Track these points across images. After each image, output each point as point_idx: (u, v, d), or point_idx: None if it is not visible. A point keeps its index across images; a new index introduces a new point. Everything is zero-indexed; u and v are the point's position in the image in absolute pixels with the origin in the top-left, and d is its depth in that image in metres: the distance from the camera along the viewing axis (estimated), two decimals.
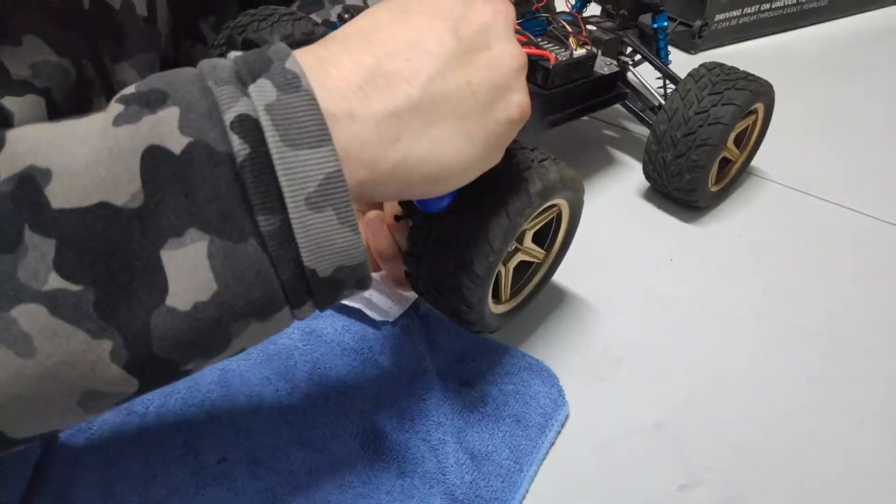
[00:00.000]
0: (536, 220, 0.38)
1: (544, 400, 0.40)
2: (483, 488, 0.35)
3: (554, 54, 0.47)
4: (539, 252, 0.41)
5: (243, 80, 0.23)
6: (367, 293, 0.45)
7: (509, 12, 0.30)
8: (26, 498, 0.34)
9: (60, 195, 0.21)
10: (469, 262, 0.33)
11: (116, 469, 0.35)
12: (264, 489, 0.35)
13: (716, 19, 0.80)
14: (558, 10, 0.57)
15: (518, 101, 0.29)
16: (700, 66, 0.51)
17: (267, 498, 0.34)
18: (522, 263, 0.40)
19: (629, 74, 0.57)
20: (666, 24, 0.57)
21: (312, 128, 0.23)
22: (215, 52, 0.48)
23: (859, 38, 0.88)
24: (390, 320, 0.43)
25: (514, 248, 0.38)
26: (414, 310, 0.45)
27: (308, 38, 0.48)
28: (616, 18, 0.58)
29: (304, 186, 0.23)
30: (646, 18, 0.58)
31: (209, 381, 0.39)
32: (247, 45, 0.41)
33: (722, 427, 0.40)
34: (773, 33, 0.86)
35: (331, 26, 0.46)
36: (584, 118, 0.66)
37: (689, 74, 0.51)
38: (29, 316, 0.20)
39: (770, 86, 0.52)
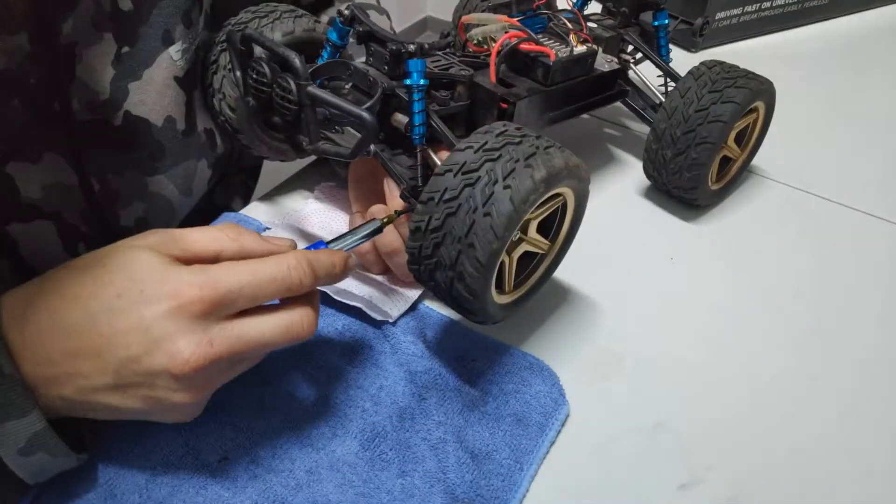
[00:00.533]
0: (541, 210, 0.38)
1: (545, 399, 0.40)
2: (483, 487, 0.35)
3: (554, 51, 0.47)
4: (543, 243, 0.41)
5: None
6: (367, 293, 0.45)
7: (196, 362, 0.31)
8: (27, 498, 0.34)
9: None
10: (473, 249, 0.33)
11: (116, 469, 0.35)
12: (264, 489, 0.35)
13: (717, 17, 0.80)
14: (560, 7, 0.57)
15: (181, 401, 0.32)
16: (700, 64, 0.51)
17: (267, 498, 0.34)
18: (527, 254, 0.40)
19: (630, 72, 0.57)
20: (667, 21, 0.57)
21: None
22: (216, 48, 0.47)
23: (861, 37, 0.88)
24: (390, 321, 0.43)
25: (518, 238, 0.38)
26: (414, 310, 0.45)
27: (310, 36, 0.47)
28: (617, 16, 0.58)
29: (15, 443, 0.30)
30: (647, 16, 0.58)
31: None
32: (245, 41, 0.41)
33: (722, 426, 0.40)
34: (774, 31, 0.86)
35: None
36: (585, 116, 0.66)
37: (689, 72, 0.51)
38: None
39: (771, 84, 0.51)
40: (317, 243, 0.38)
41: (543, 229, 0.40)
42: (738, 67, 0.50)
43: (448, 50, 0.48)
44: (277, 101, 0.40)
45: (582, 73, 0.50)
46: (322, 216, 0.52)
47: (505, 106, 0.44)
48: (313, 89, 0.38)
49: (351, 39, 0.44)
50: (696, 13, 0.79)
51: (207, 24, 0.50)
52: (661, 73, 0.57)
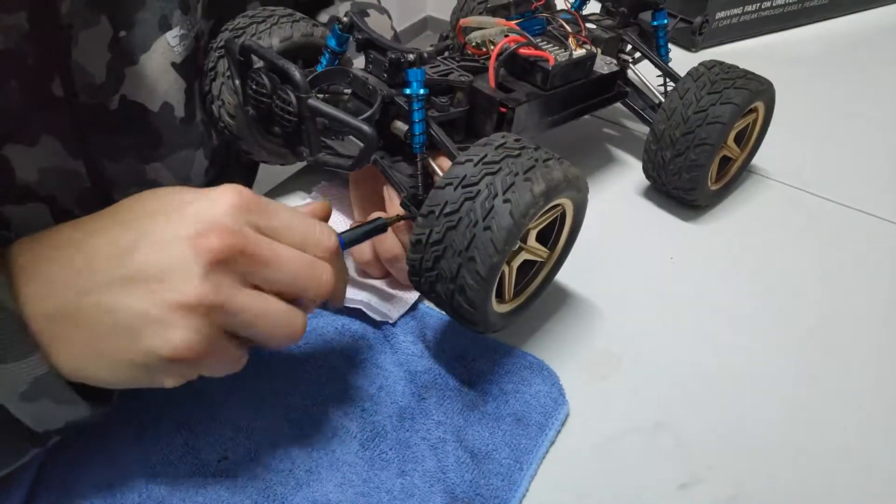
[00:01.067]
0: (540, 220, 0.38)
1: (544, 399, 0.40)
2: (483, 487, 0.35)
3: (553, 55, 0.47)
4: (543, 251, 0.41)
5: None
6: (367, 297, 0.45)
7: (220, 251, 0.29)
8: (28, 498, 0.34)
9: None
10: (473, 263, 0.33)
11: (117, 469, 0.35)
12: (264, 489, 0.35)
13: (717, 17, 0.80)
14: (558, 8, 0.57)
15: (170, 338, 0.28)
16: (699, 64, 0.51)
17: (267, 497, 0.35)
18: (526, 262, 0.40)
19: (629, 72, 0.57)
20: (666, 21, 0.57)
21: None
22: (213, 54, 0.47)
23: (861, 36, 0.87)
24: (390, 321, 0.43)
25: (517, 247, 0.38)
26: (414, 310, 0.45)
27: (308, 41, 0.47)
28: (616, 16, 0.58)
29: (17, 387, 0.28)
30: (646, 16, 0.58)
31: (210, 380, 0.39)
32: (244, 52, 0.41)
33: (723, 426, 0.40)
34: (774, 31, 0.86)
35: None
36: (584, 116, 0.66)
37: (688, 73, 0.51)
38: None
39: (770, 84, 0.51)
40: None
41: (542, 237, 0.40)
42: (737, 68, 0.50)
43: (447, 53, 0.48)
44: (277, 112, 0.40)
45: (581, 77, 0.50)
46: None
47: (504, 111, 0.44)
48: (314, 102, 0.38)
49: (351, 40, 0.44)
50: (696, 12, 0.79)
51: (206, 11, 0.50)
52: (660, 73, 0.57)
